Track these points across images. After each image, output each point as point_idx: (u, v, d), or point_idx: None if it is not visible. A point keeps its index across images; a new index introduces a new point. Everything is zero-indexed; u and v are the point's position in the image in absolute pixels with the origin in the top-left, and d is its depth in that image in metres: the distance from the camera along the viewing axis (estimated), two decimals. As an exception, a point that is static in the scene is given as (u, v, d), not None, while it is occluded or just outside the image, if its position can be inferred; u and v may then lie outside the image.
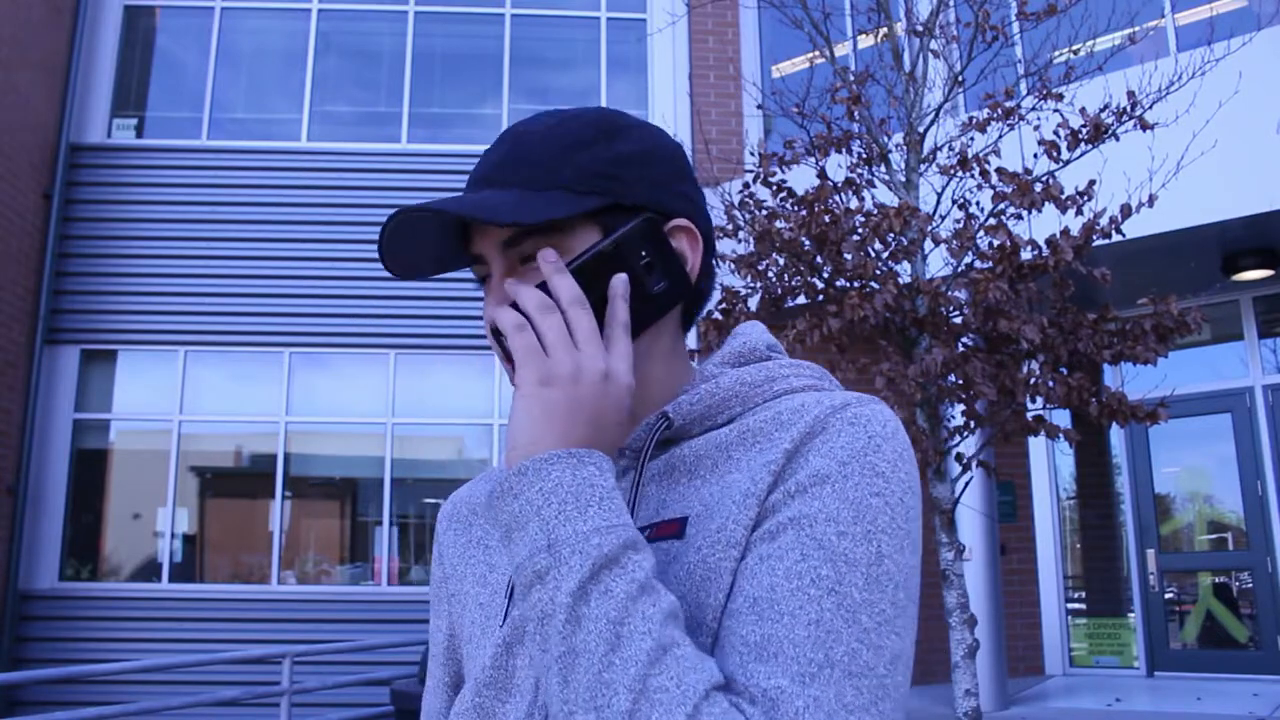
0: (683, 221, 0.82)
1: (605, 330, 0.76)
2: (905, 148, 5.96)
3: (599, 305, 0.77)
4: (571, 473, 0.69)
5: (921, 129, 5.96)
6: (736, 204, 5.95)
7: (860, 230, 5.50)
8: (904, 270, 5.78)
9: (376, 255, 0.81)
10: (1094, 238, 5.32)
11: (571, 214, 0.77)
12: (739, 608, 0.68)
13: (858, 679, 0.64)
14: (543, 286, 0.76)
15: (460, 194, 0.81)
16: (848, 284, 5.58)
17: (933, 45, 6.15)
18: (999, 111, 5.70)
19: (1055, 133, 5.54)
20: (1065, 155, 5.56)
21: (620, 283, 0.77)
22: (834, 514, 0.68)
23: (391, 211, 0.78)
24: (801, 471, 0.71)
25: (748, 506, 0.71)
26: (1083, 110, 5.55)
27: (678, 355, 0.86)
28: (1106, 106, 5.58)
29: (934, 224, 5.68)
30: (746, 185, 5.98)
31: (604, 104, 9.77)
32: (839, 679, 0.63)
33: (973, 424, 5.62)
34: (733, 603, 0.69)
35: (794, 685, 0.63)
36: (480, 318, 0.79)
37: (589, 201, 0.78)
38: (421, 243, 0.82)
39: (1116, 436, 8.75)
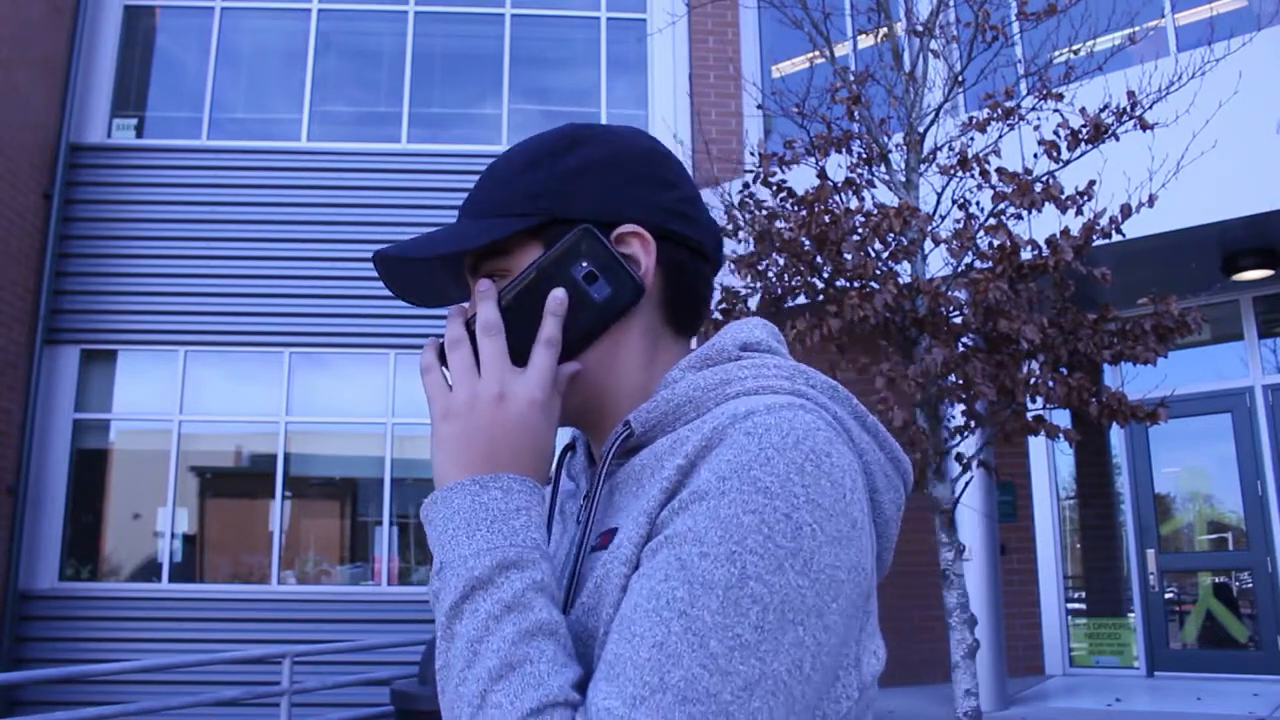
0: (630, 227, 0.82)
1: (533, 347, 0.79)
2: (905, 148, 5.96)
3: (539, 323, 0.80)
4: (471, 499, 0.74)
5: (921, 129, 5.96)
6: (736, 204, 5.95)
7: (860, 230, 5.50)
8: (904, 270, 5.78)
9: (389, 288, 0.88)
10: (1094, 238, 5.32)
11: (489, 240, 0.80)
12: (614, 624, 0.68)
13: (692, 705, 0.62)
14: None
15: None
16: (848, 284, 5.58)
17: (933, 45, 6.15)
18: (999, 111, 5.71)
19: (1055, 133, 5.54)
20: (1065, 155, 5.56)
21: (553, 299, 0.79)
22: (701, 533, 0.67)
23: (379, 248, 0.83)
24: (688, 487, 0.70)
25: (640, 523, 0.72)
26: (1083, 110, 5.55)
27: (658, 362, 0.85)
28: (1106, 106, 5.58)
29: (934, 224, 5.68)
30: (746, 185, 5.98)
31: (604, 105, 9.81)
32: (669, 704, 0.62)
33: (973, 424, 5.62)
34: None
35: (623, 707, 0.63)
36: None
37: (517, 224, 0.81)
38: (432, 278, 0.88)
39: (1116, 436, 8.75)
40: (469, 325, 0.80)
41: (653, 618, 0.65)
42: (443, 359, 0.81)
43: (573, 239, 0.80)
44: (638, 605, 0.67)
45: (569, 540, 0.86)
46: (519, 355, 0.79)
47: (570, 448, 0.93)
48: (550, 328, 0.79)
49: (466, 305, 0.83)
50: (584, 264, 0.80)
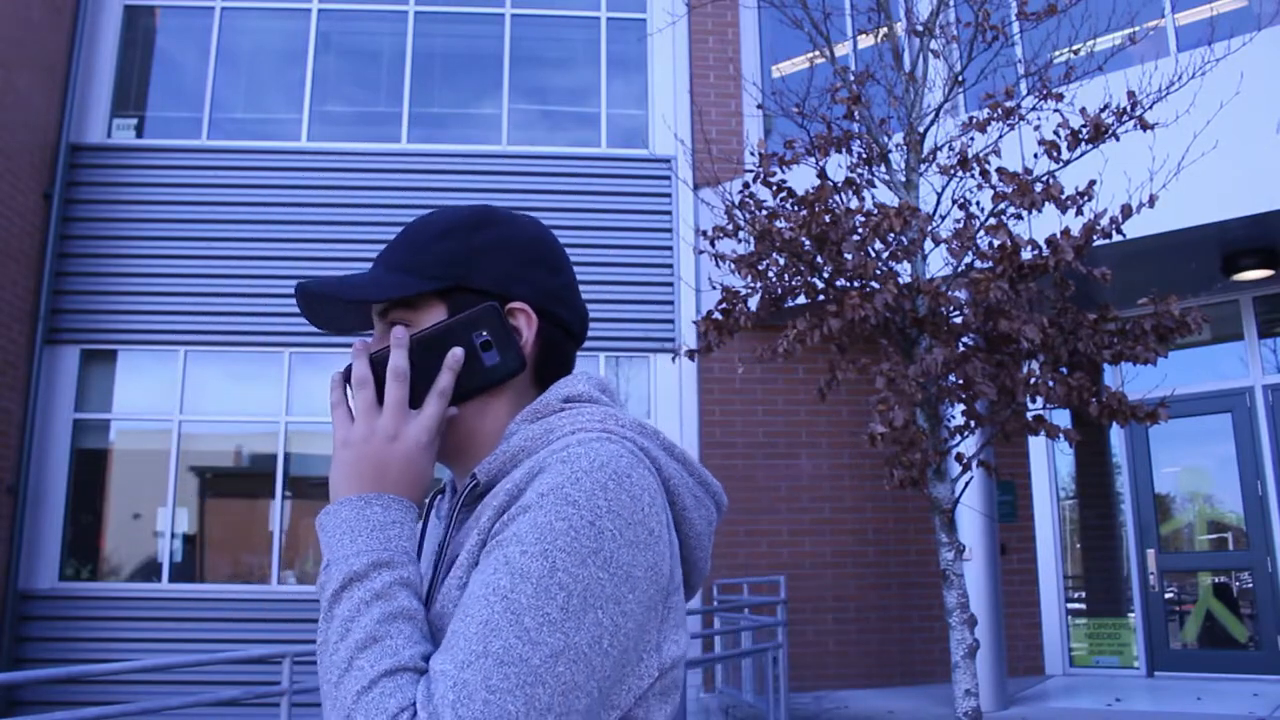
0: (519, 305, 0.98)
1: (427, 394, 0.94)
2: (905, 148, 5.96)
3: (436, 372, 0.94)
4: (356, 511, 0.89)
5: (921, 129, 5.96)
6: (736, 204, 5.95)
7: (860, 230, 5.50)
8: (904, 270, 5.78)
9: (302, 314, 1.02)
10: (1094, 238, 5.32)
11: (407, 295, 0.96)
12: (455, 612, 0.83)
13: (508, 667, 0.76)
14: None
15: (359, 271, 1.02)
16: (848, 284, 5.58)
17: (933, 45, 6.15)
18: (999, 111, 5.71)
19: (1055, 133, 5.54)
20: (1065, 155, 5.56)
21: (452, 357, 0.94)
22: (521, 536, 0.81)
23: (297, 284, 0.98)
24: (516, 506, 0.84)
25: (474, 539, 0.87)
26: (1083, 110, 5.55)
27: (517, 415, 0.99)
28: (1106, 106, 5.58)
29: (934, 224, 5.68)
30: (746, 185, 5.98)
31: (604, 105, 9.82)
32: (489, 666, 0.76)
33: (973, 424, 5.62)
34: None
35: (453, 669, 0.77)
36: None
37: (430, 284, 0.96)
38: (343, 312, 1.02)
39: (1116, 436, 8.75)
40: (374, 363, 0.94)
41: (481, 602, 0.79)
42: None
43: (479, 311, 0.95)
44: (471, 594, 0.81)
45: (428, 571, 0.99)
46: (413, 396, 0.93)
47: (440, 491, 1.07)
48: (445, 381, 0.94)
49: (369, 340, 0.98)
50: (483, 333, 0.95)
